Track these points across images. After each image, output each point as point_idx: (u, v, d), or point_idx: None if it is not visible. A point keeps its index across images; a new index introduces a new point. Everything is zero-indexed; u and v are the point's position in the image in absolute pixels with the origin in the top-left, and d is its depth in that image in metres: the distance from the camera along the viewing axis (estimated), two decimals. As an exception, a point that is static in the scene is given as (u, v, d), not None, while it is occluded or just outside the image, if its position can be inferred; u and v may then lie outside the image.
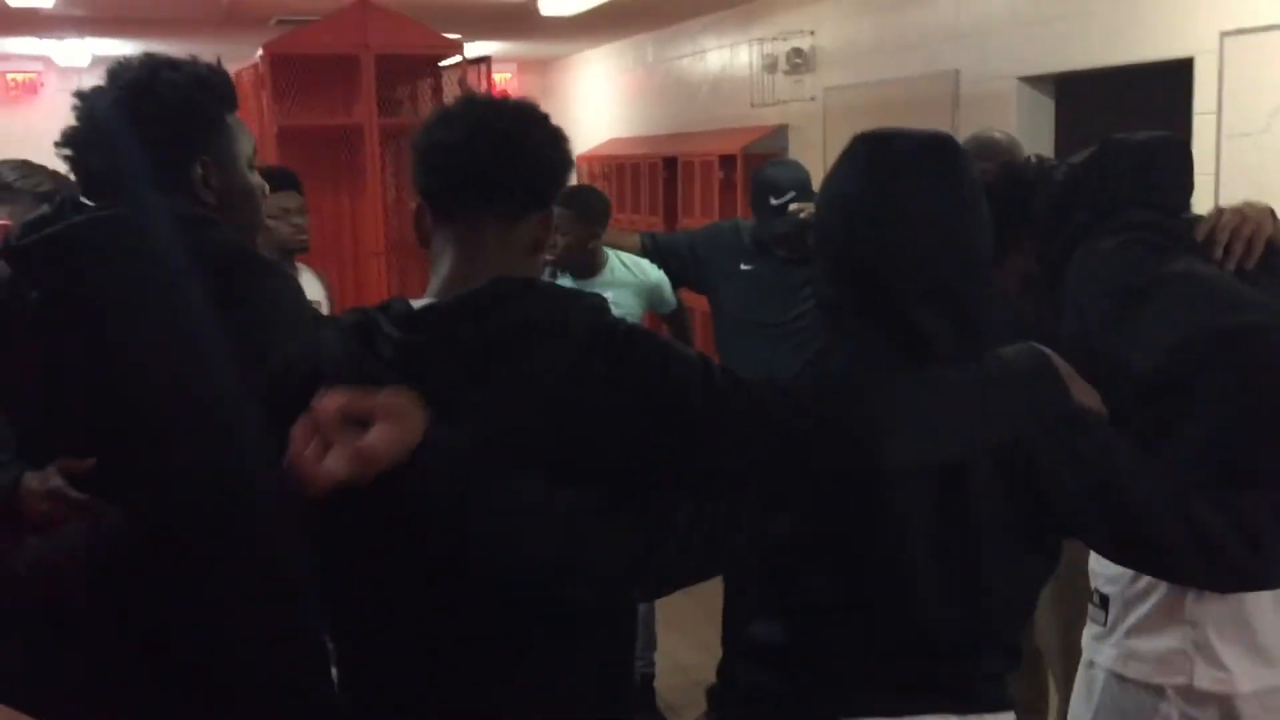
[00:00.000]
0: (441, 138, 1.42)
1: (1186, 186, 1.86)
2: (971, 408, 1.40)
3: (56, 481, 1.67)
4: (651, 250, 3.76)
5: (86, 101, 1.73)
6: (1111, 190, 1.79)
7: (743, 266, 3.59)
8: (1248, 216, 1.75)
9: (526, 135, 1.42)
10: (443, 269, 1.43)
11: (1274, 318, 1.59)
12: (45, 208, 2.06)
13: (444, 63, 5.49)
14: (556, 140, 1.45)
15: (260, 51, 5.16)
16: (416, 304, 1.40)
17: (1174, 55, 4.22)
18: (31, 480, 1.69)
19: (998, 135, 3.24)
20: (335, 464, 1.22)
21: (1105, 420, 1.46)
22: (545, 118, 1.45)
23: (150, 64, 1.73)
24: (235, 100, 1.81)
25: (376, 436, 1.23)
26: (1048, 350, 1.45)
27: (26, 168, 2.45)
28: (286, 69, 5.12)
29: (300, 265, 3.49)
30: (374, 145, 5.16)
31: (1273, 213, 1.79)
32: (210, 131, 1.74)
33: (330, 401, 1.25)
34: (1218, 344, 1.57)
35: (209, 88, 1.74)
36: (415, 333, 1.35)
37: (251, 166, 1.82)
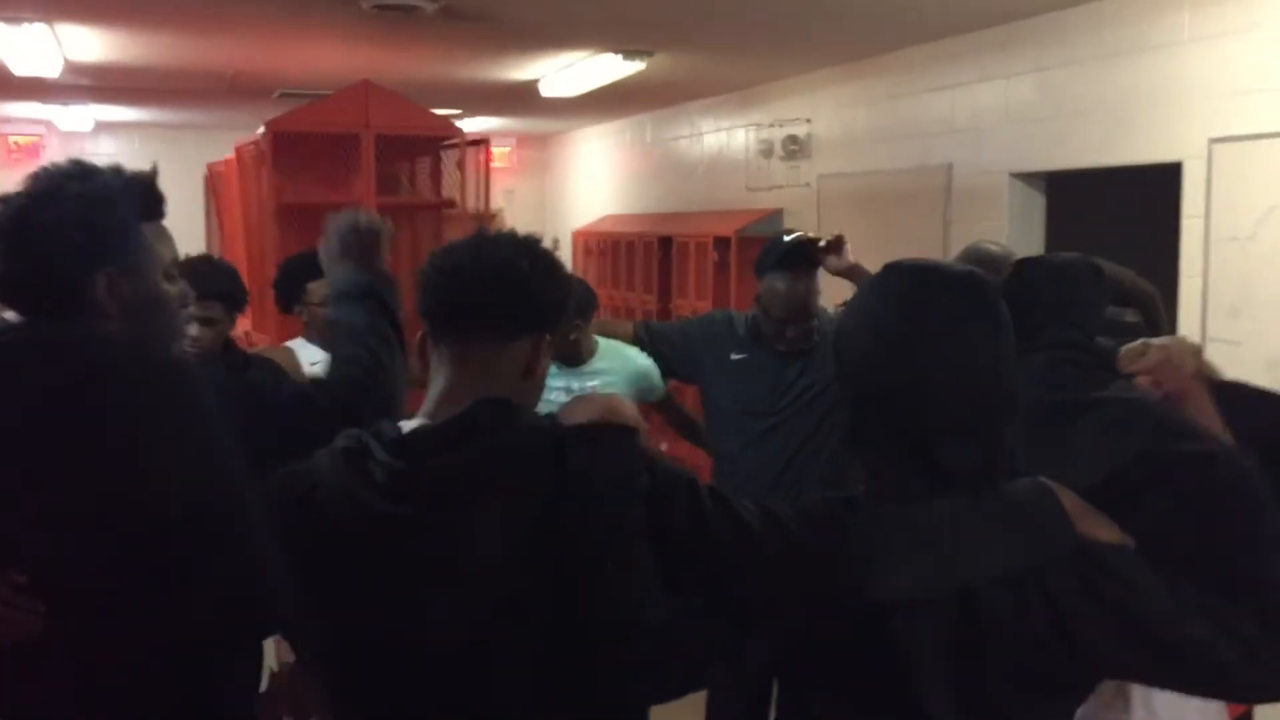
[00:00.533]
0: (440, 264, 1.52)
1: (1101, 309, 1.90)
2: (968, 541, 1.40)
3: None
4: (643, 339, 3.77)
5: None
6: (1035, 310, 1.81)
7: (734, 356, 3.59)
8: (1172, 355, 1.74)
9: (517, 264, 1.49)
10: (435, 389, 1.51)
11: (1220, 446, 1.60)
12: None
13: (444, 144, 5.55)
14: (549, 270, 1.52)
15: (262, 128, 5.21)
16: (407, 426, 1.47)
17: (1163, 159, 4.29)
18: None
19: (994, 249, 3.27)
20: None
21: (1123, 549, 1.44)
22: (540, 249, 1.53)
23: (61, 174, 1.73)
24: (157, 209, 1.81)
25: None
26: (1052, 484, 1.45)
27: None
28: (287, 145, 5.17)
29: None
30: (371, 223, 5.19)
31: (1199, 350, 1.79)
32: (116, 243, 1.72)
33: None
34: (1170, 467, 1.55)
35: (120, 199, 1.73)
36: (403, 458, 1.40)
37: (170, 276, 1.81)
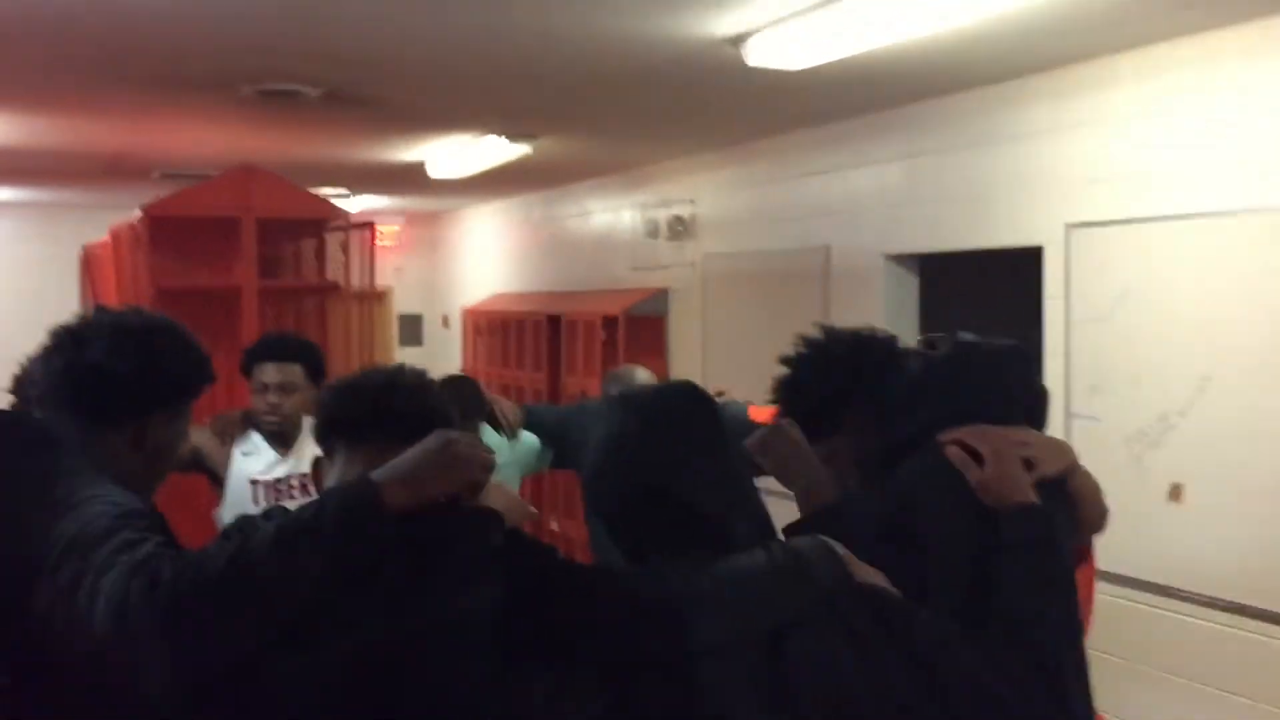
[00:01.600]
0: (331, 384, 1.80)
1: (1032, 396, 1.93)
2: (764, 589, 1.52)
3: None
4: (527, 423, 3.83)
5: (71, 337, 1.81)
6: (965, 394, 1.84)
7: None
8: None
9: (392, 382, 1.72)
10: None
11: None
12: None
13: (328, 226, 5.54)
14: (420, 388, 1.73)
15: (138, 212, 5.14)
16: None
17: (1025, 243, 4.49)
18: None
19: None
20: None
21: (889, 593, 1.57)
22: (414, 373, 1.77)
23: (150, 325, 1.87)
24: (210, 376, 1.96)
25: None
26: (831, 540, 1.60)
27: None
28: (166, 228, 5.10)
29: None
30: (253, 307, 5.13)
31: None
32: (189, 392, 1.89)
33: None
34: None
35: (198, 366, 1.90)
36: None
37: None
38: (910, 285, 5.30)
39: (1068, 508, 1.79)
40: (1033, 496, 1.70)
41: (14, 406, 1.88)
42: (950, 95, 4.82)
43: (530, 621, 1.48)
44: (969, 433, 1.75)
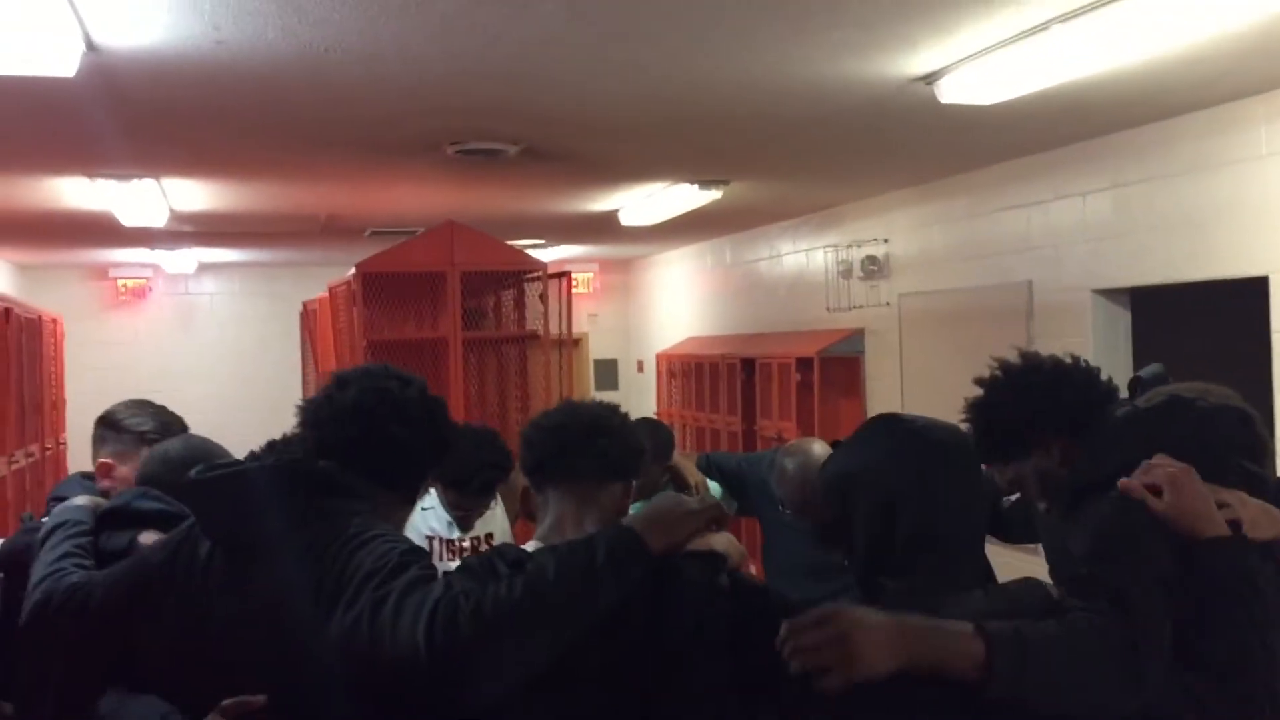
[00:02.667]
0: (542, 423, 1.93)
1: (1251, 458, 1.81)
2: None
3: None
4: (705, 468, 3.85)
5: (351, 387, 1.91)
6: (1166, 447, 1.74)
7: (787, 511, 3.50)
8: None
9: (609, 419, 1.88)
10: (542, 525, 1.88)
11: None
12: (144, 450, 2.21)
13: (527, 276, 5.70)
14: (624, 429, 1.90)
15: (353, 269, 5.41)
16: (527, 547, 1.82)
17: (1247, 273, 4.23)
18: None
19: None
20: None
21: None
22: (616, 413, 1.91)
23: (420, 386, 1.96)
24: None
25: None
26: (1046, 582, 1.67)
27: (136, 407, 2.58)
28: (377, 284, 5.36)
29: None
30: (458, 356, 5.33)
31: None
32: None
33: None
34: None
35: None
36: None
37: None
38: (1121, 320, 5.07)
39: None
40: (1224, 528, 1.62)
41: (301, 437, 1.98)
42: (1161, 121, 4.61)
43: (759, 654, 1.56)
44: (1144, 468, 1.69)
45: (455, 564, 3.24)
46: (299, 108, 4.12)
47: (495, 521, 3.53)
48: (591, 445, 1.84)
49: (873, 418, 1.84)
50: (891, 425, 1.77)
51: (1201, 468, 1.70)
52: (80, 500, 2.25)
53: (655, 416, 4.21)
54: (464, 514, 3.40)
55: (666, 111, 4.33)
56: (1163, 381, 2.84)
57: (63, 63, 3.17)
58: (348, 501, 1.78)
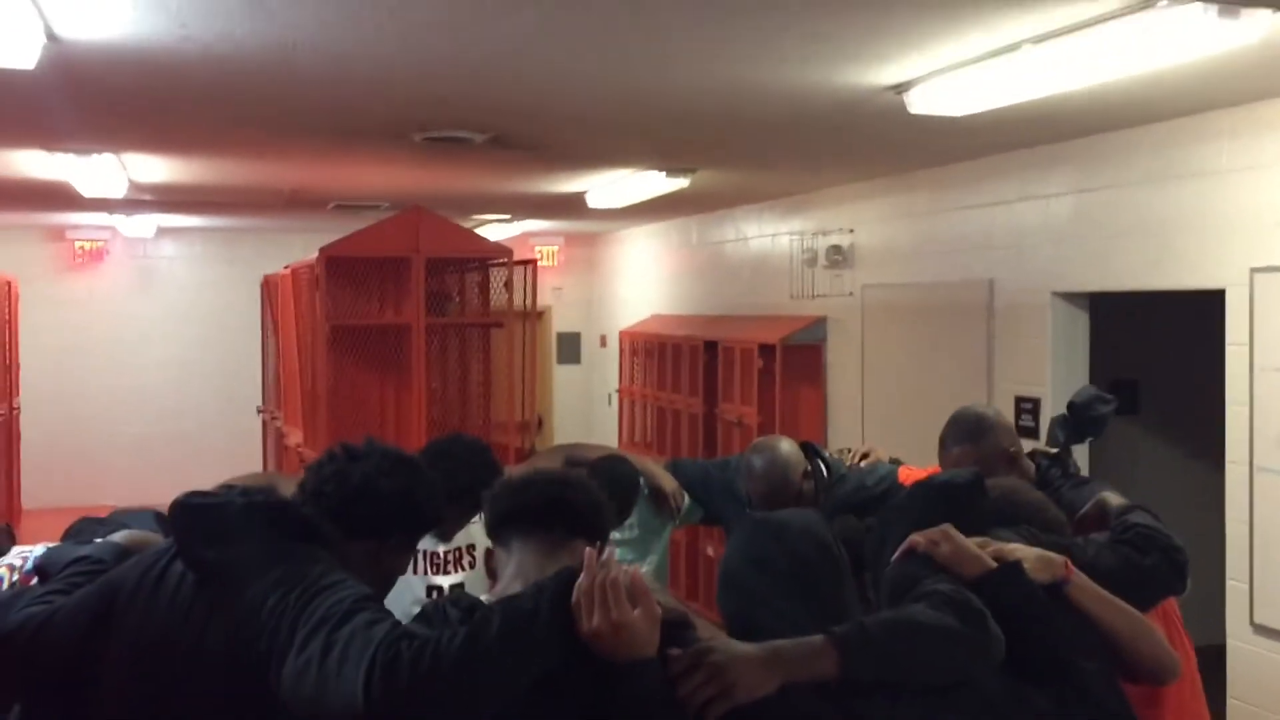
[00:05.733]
0: (505, 482, 1.98)
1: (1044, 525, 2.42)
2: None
3: None
4: (672, 474, 3.82)
5: (353, 463, 2.03)
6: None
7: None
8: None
9: (565, 487, 1.90)
10: (503, 577, 1.88)
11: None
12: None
13: (492, 262, 5.68)
14: (589, 489, 1.93)
15: (316, 253, 5.36)
16: (484, 597, 1.84)
17: (1205, 285, 4.29)
18: None
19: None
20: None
21: None
22: (580, 481, 1.95)
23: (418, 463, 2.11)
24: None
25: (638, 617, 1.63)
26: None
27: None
28: (339, 268, 5.31)
29: None
30: (420, 342, 5.30)
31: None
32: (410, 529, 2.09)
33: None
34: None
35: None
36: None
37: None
38: (1080, 323, 5.13)
39: (1070, 614, 2.10)
40: (990, 565, 2.04)
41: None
42: (1126, 130, 4.65)
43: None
44: (923, 534, 2.11)
45: (438, 578, 3.29)
46: (266, 98, 4.07)
47: (475, 534, 3.52)
48: (553, 499, 1.88)
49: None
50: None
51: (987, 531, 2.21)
52: (117, 537, 2.28)
53: (618, 452, 4.12)
54: (445, 527, 3.40)
55: (637, 107, 4.31)
56: (1095, 404, 3.12)
57: (22, 55, 3.12)
58: (314, 548, 1.83)
